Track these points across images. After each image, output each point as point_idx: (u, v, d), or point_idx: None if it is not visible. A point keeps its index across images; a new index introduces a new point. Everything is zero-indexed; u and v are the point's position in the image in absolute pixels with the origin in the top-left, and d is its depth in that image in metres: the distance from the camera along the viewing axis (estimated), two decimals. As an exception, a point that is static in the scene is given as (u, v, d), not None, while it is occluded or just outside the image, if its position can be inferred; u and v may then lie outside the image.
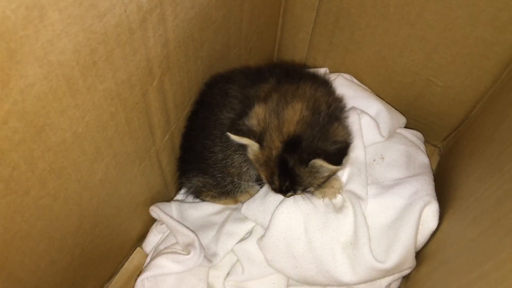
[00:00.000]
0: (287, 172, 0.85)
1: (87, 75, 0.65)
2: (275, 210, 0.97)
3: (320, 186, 0.92)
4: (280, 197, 0.99)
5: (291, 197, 0.96)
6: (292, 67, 1.08)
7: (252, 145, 0.88)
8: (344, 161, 0.83)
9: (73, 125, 0.68)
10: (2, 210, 0.63)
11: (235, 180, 1.05)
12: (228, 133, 0.85)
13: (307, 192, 0.93)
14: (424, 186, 0.98)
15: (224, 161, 1.01)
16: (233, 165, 1.01)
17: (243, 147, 0.93)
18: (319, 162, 0.82)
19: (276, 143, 0.85)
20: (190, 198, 1.19)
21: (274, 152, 0.85)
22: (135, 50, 0.72)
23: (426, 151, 1.15)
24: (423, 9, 1.01)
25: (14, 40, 0.50)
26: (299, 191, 0.90)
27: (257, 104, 0.88)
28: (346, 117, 0.95)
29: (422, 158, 1.09)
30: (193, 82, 1.01)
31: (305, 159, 0.83)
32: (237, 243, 1.05)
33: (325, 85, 0.99)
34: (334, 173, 0.92)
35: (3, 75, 0.51)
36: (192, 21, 0.86)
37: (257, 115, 0.87)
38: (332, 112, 0.89)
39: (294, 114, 0.85)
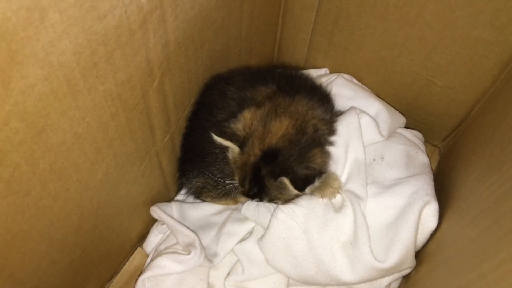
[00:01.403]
0: (258, 179, 0.88)
1: (88, 76, 0.65)
2: (275, 211, 0.97)
3: (286, 202, 0.95)
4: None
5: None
6: (294, 75, 1.08)
7: (233, 148, 0.90)
8: (307, 189, 0.86)
9: (74, 126, 0.68)
10: (3, 210, 0.64)
11: (235, 180, 1.05)
12: (212, 134, 0.88)
13: (274, 203, 0.96)
14: (424, 186, 0.98)
15: (224, 161, 1.01)
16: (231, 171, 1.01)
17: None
18: (285, 181, 0.85)
19: (255, 151, 0.87)
20: (191, 199, 1.20)
21: (252, 159, 0.88)
22: (136, 51, 0.73)
23: (426, 151, 1.15)
24: (422, 9, 1.01)
25: (15, 41, 0.50)
26: (265, 200, 0.93)
27: (247, 109, 0.91)
28: (331, 144, 0.97)
29: (422, 158, 1.09)
30: (193, 82, 1.01)
31: (276, 173, 0.86)
32: (237, 243, 1.06)
33: (323, 102, 1.00)
34: (299, 195, 0.95)
35: (4, 76, 0.52)
36: (192, 22, 0.86)
37: (244, 119, 0.90)
38: (317, 137, 0.92)
39: (280, 128, 0.88)
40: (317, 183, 0.88)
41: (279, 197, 0.92)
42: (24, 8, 0.49)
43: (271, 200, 0.93)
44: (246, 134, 0.89)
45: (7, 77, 0.52)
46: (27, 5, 0.49)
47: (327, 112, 0.99)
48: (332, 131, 0.99)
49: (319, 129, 0.93)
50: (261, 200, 0.93)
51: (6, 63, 0.51)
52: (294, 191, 0.88)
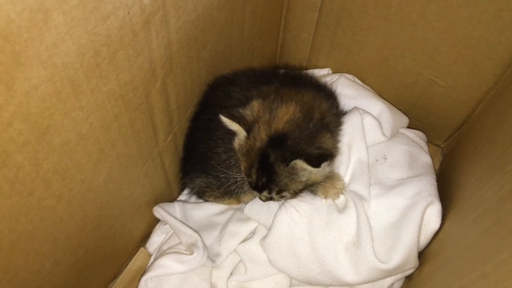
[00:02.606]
0: (266, 167, 0.86)
1: (91, 77, 0.65)
2: (278, 211, 0.98)
3: (294, 195, 0.93)
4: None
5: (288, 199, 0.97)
6: (299, 74, 1.08)
7: (240, 133, 0.88)
8: (323, 166, 0.83)
9: (77, 127, 0.68)
10: (7, 211, 0.64)
11: (238, 181, 1.05)
12: (220, 115, 0.86)
13: (282, 197, 0.93)
14: (427, 187, 0.98)
15: (228, 161, 1.01)
16: (236, 165, 1.01)
17: (230, 136, 0.95)
18: (299, 163, 0.83)
19: (262, 135, 0.86)
20: (193, 199, 1.20)
21: (258, 144, 0.86)
22: (138, 52, 0.73)
23: (429, 151, 1.15)
24: (424, 9, 1.01)
25: (18, 42, 0.51)
26: (274, 191, 0.89)
27: (255, 100, 0.90)
28: (339, 133, 0.96)
29: (424, 158, 1.09)
30: (196, 83, 1.01)
31: (287, 158, 0.83)
32: (240, 243, 1.06)
33: (329, 98, 1.00)
34: (311, 183, 0.92)
35: (8, 77, 0.52)
36: (195, 23, 0.86)
37: (252, 107, 0.89)
38: (326, 123, 0.90)
39: (286, 113, 0.87)
40: (327, 168, 0.87)
41: (289, 186, 0.89)
42: (27, 10, 0.49)
43: (280, 192, 0.89)
44: (253, 119, 0.87)
45: (11, 79, 0.52)
46: (30, 7, 0.50)
47: (332, 108, 0.99)
48: (339, 123, 0.99)
49: (326, 117, 0.92)
50: (270, 192, 0.90)
51: (10, 64, 0.51)
52: (309, 171, 0.85)
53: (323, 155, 0.83)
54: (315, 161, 0.82)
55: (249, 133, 0.87)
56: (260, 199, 0.94)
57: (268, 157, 0.85)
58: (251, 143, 0.87)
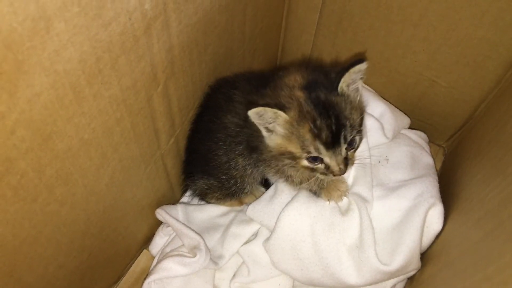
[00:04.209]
0: (325, 110, 0.81)
1: (93, 82, 0.65)
2: (281, 212, 0.98)
3: (358, 131, 0.87)
4: (286, 199, 1.00)
5: (299, 198, 0.97)
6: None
7: (276, 118, 0.82)
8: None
9: (80, 132, 0.69)
10: (11, 217, 0.64)
11: (239, 182, 1.06)
12: (251, 110, 0.80)
13: (353, 140, 0.86)
14: (429, 188, 0.98)
15: (228, 163, 1.02)
16: (236, 167, 1.02)
17: (230, 139, 0.95)
18: (347, 76, 0.82)
19: (298, 95, 0.83)
20: (196, 201, 1.20)
21: (302, 101, 0.82)
22: (140, 57, 0.73)
23: (431, 152, 1.15)
24: (426, 10, 1.01)
25: (21, 51, 0.51)
26: (348, 128, 0.82)
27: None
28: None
29: (426, 159, 1.09)
30: (198, 85, 1.01)
31: (333, 81, 0.83)
32: (242, 245, 1.06)
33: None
34: (361, 109, 0.89)
35: (10, 85, 0.52)
36: (196, 26, 0.86)
37: (264, 100, 0.85)
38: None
39: (295, 77, 0.87)
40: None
41: (353, 116, 0.84)
42: (29, 19, 0.50)
43: (352, 128, 0.83)
44: (277, 101, 0.83)
45: (14, 87, 0.53)
46: (32, 16, 0.50)
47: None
48: None
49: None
50: (345, 134, 0.82)
51: (13, 73, 0.51)
52: (361, 70, 0.83)
53: (356, 60, 0.82)
54: (356, 61, 0.81)
55: (284, 109, 0.81)
56: (339, 165, 0.85)
57: (319, 99, 0.82)
58: (296, 108, 0.82)
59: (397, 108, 1.20)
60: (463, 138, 1.22)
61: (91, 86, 0.65)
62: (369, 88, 1.26)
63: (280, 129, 0.85)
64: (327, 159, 0.84)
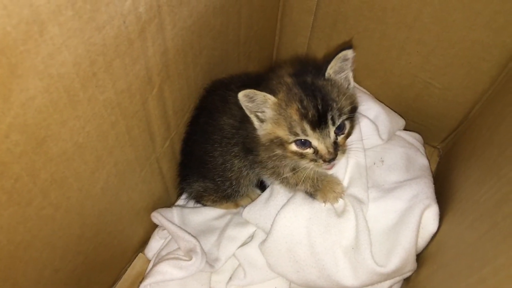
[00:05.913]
0: (311, 92, 0.83)
1: (87, 86, 0.65)
2: (277, 215, 0.98)
3: (349, 118, 0.88)
4: (282, 201, 0.99)
5: (295, 200, 0.97)
6: None
7: (266, 102, 0.84)
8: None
9: (74, 136, 0.69)
10: (5, 221, 0.64)
11: (234, 185, 1.05)
12: (241, 93, 0.82)
13: (343, 125, 0.87)
14: (424, 189, 0.99)
15: (224, 165, 1.02)
16: (232, 169, 1.02)
17: (226, 140, 0.96)
18: (333, 63, 0.85)
19: (286, 80, 0.86)
20: (191, 203, 1.20)
21: (290, 84, 0.86)
22: (135, 60, 0.73)
23: (426, 153, 1.15)
24: (420, 12, 1.02)
25: (15, 55, 0.51)
26: (336, 112, 0.83)
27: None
28: None
29: (421, 161, 1.10)
30: (193, 88, 1.01)
31: (320, 69, 0.86)
32: (238, 248, 1.06)
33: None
34: (353, 102, 0.89)
35: (4, 89, 0.52)
36: (191, 29, 0.86)
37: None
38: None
39: (286, 69, 0.91)
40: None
41: (342, 103, 0.84)
42: (23, 22, 0.50)
43: (340, 111, 0.84)
44: (268, 89, 0.85)
45: (8, 91, 0.52)
46: (26, 19, 0.50)
47: None
48: None
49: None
50: (333, 116, 0.83)
51: (6, 77, 0.51)
52: (348, 58, 0.85)
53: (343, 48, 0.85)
54: (343, 49, 0.84)
55: (273, 93, 0.84)
56: (328, 148, 0.85)
57: (306, 82, 0.85)
58: (284, 91, 0.85)
59: (392, 109, 1.20)
60: (458, 140, 1.22)
61: (86, 90, 0.65)
62: (364, 89, 1.26)
63: (269, 112, 0.86)
64: (315, 142, 0.85)
